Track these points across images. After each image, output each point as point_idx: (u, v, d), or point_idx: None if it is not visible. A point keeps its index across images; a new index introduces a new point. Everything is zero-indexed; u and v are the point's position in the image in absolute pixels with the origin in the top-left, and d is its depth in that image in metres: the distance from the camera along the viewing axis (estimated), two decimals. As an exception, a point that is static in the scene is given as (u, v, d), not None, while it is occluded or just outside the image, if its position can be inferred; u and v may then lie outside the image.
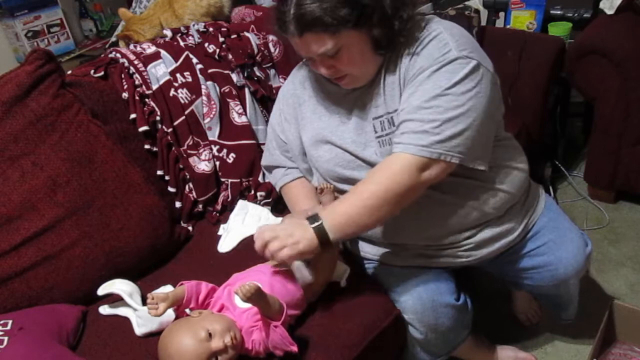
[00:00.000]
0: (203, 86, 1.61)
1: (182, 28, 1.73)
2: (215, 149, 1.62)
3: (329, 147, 1.27)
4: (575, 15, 2.16)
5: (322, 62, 1.14)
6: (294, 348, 1.04)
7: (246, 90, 1.68)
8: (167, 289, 1.30)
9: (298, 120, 1.33)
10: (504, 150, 1.27)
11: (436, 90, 1.08)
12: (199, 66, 1.62)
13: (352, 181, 1.26)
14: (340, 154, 1.25)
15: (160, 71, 1.57)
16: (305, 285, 1.17)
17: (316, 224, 1.08)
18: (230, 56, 1.67)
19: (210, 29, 1.72)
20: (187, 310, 1.12)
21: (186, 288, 1.09)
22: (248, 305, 1.05)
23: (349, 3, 1.05)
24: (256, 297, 0.99)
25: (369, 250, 1.34)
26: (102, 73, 1.50)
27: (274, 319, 1.04)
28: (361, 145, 1.22)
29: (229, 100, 1.64)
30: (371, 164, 1.22)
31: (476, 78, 1.10)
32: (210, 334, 1.00)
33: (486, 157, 1.16)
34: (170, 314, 1.13)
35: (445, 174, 1.13)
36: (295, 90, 1.34)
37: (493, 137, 1.20)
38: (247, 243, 1.45)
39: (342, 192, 1.25)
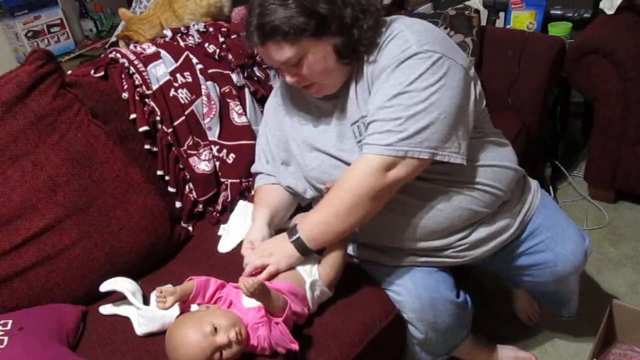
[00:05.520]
0: (203, 86, 1.61)
1: (182, 28, 1.73)
2: (215, 149, 1.62)
3: (316, 154, 1.27)
4: (575, 15, 2.16)
5: (287, 71, 1.17)
6: (294, 346, 1.04)
7: (246, 90, 1.69)
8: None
9: (286, 131, 1.34)
10: (489, 146, 1.26)
11: (397, 87, 1.09)
12: (199, 66, 1.62)
13: None
14: (327, 160, 1.26)
15: (160, 71, 1.57)
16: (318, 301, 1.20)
17: (294, 237, 1.16)
18: (230, 56, 1.67)
19: (210, 29, 1.72)
20: (195, 306, 1.12)
21: (195, 283, 1.10)
22: (255, 303, 1.05)
23: (306, 13, 1.07)
24: (260, 292, 1.00)
25: (363, 252, 1.35)
26: (102, 73, 1.50)
27: (277, 316, 1.05)
28: (345, 151, 1.23)
29: (229, 100, 1.64)
30: None
31: (439, 71, 1.09)
32: (215, 329, 1.01)
33: (462, 151, 1.14)
34: (172, 314, 1.13)
35: (419, 171, 1.14)
36: (277, 102, 1.37)
37: (469, 130, 1.18)
38: (247, 243, 1.45)
39: None
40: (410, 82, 1.08)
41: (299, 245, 1.16)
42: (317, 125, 1.27)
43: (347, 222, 1.14)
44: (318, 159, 1.27)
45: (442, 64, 1.10)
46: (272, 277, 1.16)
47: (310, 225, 1.16)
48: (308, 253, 1.17)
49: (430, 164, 1.14)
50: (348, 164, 1.23)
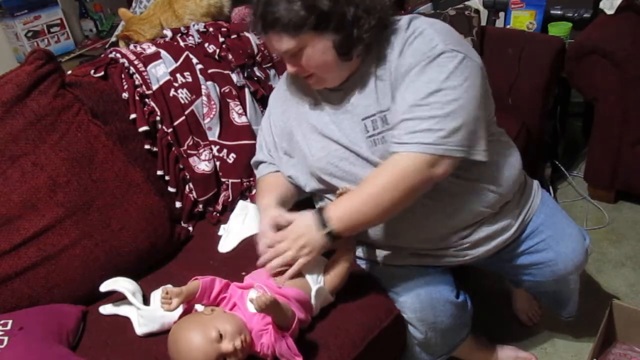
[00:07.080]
0: (203, 86, 1.61)
1: (182, 28, 1.73)
2: (215, 149, 1.62)
3: (325, 143, 1.26)
4: (575, 15, 2.16)
5: (288, 60, 1.20)
6: (298, 359, 1.04)
7: (246, 90, 1.68)
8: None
9: (290, 121, 1.34)
10: (495, 146, 1.26)
11: (430, 86, 1.10)
12: (199, 66, 1.62)
13: (348, 176, 1.25)
14: (334, 152, 1.25)
15: (160, 71, 1.57)
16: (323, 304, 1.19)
17: (326, 229, 1.12)
18: (230, 56, 1.67)
19: (210, 29, 1.72)
20: (199, 307, 1.11)
21: (200, 284, 1.08)
22: None
23: (308, 7, 1.09)
24: (271, 308, 0.99)
25: (364, 251, 1.35)
26: (102, 73, 1.50)
27: (284, 328, 1.04)
28: (354, 144, 1.23)
29: (229, 100, 1.64)
30: (366, 159, 1.22)
31: (466, 70, 1.11)
32: (221, 335, 0.99)
33: (486, 147, 1.16)
34: (173, 314, 1.12)
35: (452, 169, 1.14)
36: (283, 92, 1.38)
37: (487, 127, 1.20)
38: (247, 243, 1.45)
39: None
40: (443, 80, 1.09)
41: (330, 234, 1.12)
42: (326, 115, 1.27)
43: (385, 214, 1.14)
44: (325, 149, 1.26)
45: (467, 64, 1.11)
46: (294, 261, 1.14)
47: (341, 209, 1.14)
48: (335, 239, 1.14)
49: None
50: (357, 155, 1.22)
